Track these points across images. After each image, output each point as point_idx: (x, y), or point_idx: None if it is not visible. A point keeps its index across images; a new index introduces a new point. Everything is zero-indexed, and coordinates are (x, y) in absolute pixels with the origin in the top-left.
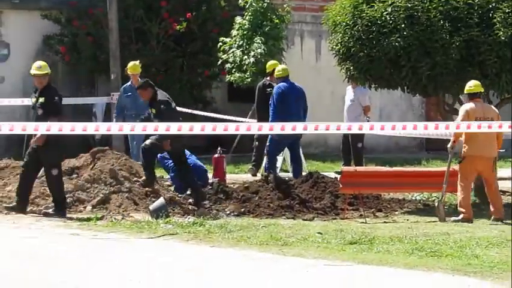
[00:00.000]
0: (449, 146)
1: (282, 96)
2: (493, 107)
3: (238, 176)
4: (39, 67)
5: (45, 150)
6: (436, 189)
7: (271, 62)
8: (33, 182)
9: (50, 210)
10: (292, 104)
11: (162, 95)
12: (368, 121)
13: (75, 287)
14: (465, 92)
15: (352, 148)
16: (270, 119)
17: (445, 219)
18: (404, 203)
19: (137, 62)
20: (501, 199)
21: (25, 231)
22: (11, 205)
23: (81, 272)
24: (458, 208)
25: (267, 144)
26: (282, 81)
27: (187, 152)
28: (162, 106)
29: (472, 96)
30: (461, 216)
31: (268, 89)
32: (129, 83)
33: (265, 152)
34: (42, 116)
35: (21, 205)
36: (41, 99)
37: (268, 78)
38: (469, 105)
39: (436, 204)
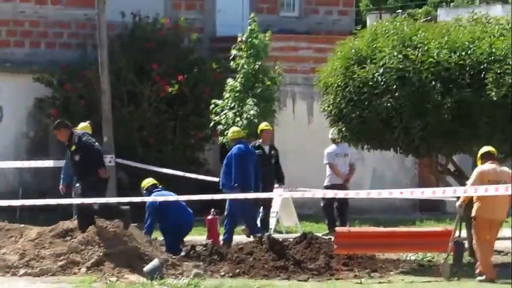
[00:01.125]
0: (457, 204)
1: (242, 156)
2: (506, 168)
3: (236, 239)
4: None
5: None
6: (430, 249)
7: (262, 124)
8: None
9: None
10: (250, 164)
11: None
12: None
13: None
14: (480, 153)
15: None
16: (233, 179)
17: (450, 278)
18: (399, 263)
19: (87, 124)
20: None
21: None
22: None
23: None
24: (479, 268)
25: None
26: (238, 143)
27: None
28: (80, 138)
29: (488, 158)
30: (484, 276)
31: (258, 151)
32: None
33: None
34: None
35: None
36: None
37: (260, 140)
38: (482, 168)
39: (442, 262)
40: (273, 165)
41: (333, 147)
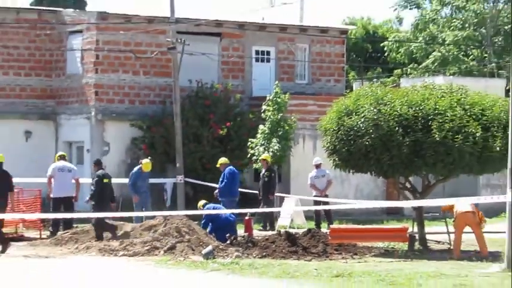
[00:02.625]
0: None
1: (233, 174)
2: None
3: (260, 232)
4: None
5: None
6: (393, 240)
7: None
8: None
9: None
10: (237, 180)
11: (100, 172)
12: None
13: None
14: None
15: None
16: (222, 194)
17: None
18: (372, 249)
19: (148, 160)
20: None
21: (123, 265)
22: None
23: None
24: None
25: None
26: (227, 166)
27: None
28: (94, 176)
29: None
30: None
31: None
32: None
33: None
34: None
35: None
36: None
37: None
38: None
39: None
40: (266, 182)
41: (313, 172)
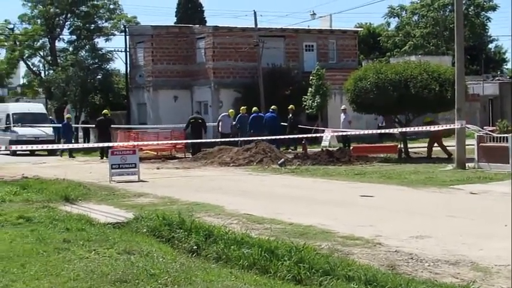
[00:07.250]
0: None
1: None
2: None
3: (313, 150)
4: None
5: None
6: (389, 152)
7: (291, 106)
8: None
9: None
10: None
11: (191, 116)
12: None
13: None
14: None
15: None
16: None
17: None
18: (377, 158)
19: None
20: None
21: (233, 171)
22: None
23: (255, 184)
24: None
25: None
26: (257, 112)
27: None
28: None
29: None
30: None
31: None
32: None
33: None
34: None
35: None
36: None
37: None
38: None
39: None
40: (291, 122)
41: (342, 115)
